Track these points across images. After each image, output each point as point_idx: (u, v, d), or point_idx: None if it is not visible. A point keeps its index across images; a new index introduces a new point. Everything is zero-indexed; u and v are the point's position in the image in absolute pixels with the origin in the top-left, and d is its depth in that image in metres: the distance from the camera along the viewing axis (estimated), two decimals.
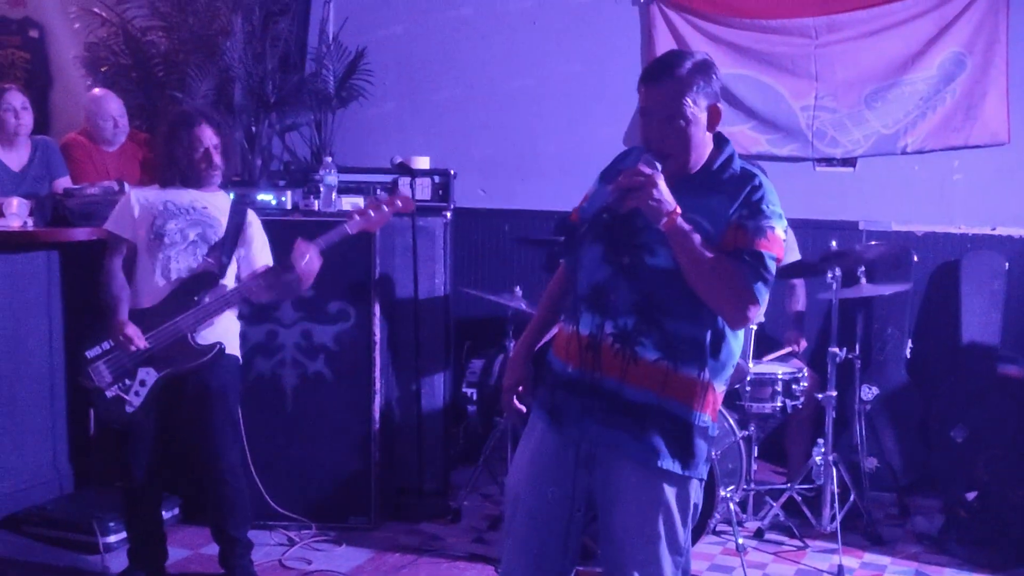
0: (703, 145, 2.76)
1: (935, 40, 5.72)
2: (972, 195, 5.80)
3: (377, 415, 4.91)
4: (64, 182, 5.63)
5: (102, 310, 3.99)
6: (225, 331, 4.09)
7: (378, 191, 5.19)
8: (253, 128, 5.92)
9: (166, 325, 3.93)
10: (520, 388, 2.95)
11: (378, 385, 4.90)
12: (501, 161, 6.44)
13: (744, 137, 6.04)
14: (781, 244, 2.69)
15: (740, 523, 4.78)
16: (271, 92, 5.95)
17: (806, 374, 5.01)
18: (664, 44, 6.12)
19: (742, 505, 4.96)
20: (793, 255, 5.38)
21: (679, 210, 2.57)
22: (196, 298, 3.98)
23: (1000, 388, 5.39)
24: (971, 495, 4.92)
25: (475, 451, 5.50)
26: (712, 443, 2.77)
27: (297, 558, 4.58)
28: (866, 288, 4.97)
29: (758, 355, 4.97)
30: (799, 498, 4.94)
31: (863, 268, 4.98)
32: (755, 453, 4.97)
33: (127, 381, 3.94)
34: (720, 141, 2.81)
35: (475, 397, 5.92)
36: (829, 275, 4.81)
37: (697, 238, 2.58)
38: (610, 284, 2.69)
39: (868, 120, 5.87)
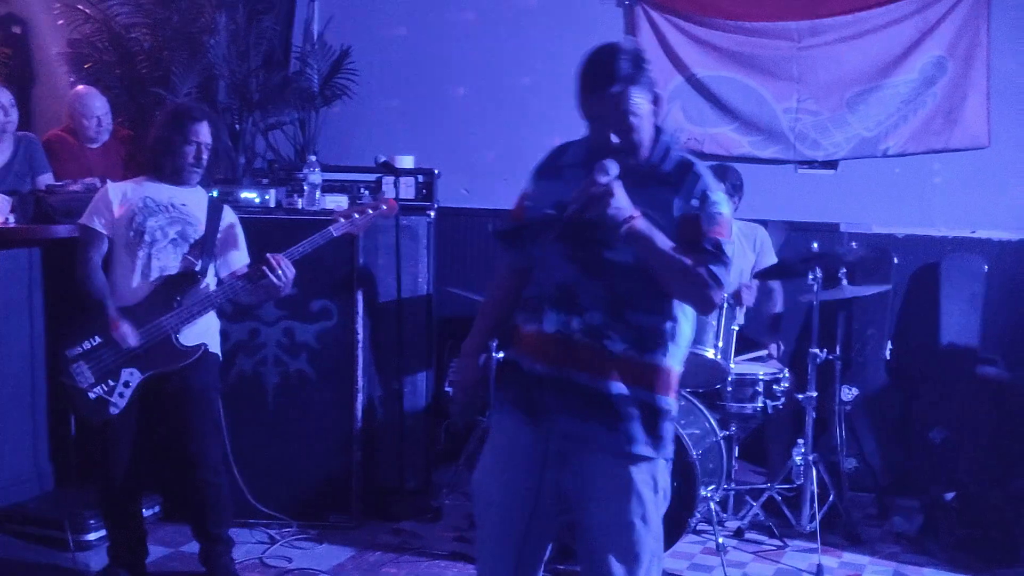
0: (650, 138, 2.79)
1: (917, 44, 5.76)
2: (952, 198, 5.84)
3: (359, 414, 4.91)
4: (47, 179, 5.60)
5: (84, 307, 3.96)
6: (207, 329, 4.09)
7: (362, 190, 5.20)
8: (237, 126, 5.91)
9: (150, 325, 3.90)
10: (470, 388, 3.03)
11: (360, 384, 4.90)
12: (485, 161, 6.44)
13: (726, 139, 6.07)
14: (730, 224, 2.76)
15: (720, 522, 4.81)
16: (255, 90, 5.94)
17: (787, 375, 5.03)
18: (648, 45, 6.12)
19: (722, 504, 4.98)
20: (769, 258, 5.40)
21: (637, 214, 2.61)
22: (179, 298, 3.95)
23: (979, 390, 5.44)
24: (950, 495, 4.95)
25: (457, 450, 5.51)
26: (674, 422, 2.85)
27: (278, 556, 4.58)
28: (847, 290, 4.99)
29: (736, 355, 4.98)
30: (779, 498, 4.97)
31: (844, 270, 5.01)
32: (736, 453, 5.00)
33: (110, 382, 3.90)
34: (656, 131, 2.82)
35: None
36: (810, 276, 4.84)
37: (659, 237, 2.63)
38: (575, 282, 2.74)
39: (850, 123, 5.90)
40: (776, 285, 5.50)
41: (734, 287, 5.11)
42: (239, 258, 4.17)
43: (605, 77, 2.71)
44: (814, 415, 4.89)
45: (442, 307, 5.80)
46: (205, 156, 4.09)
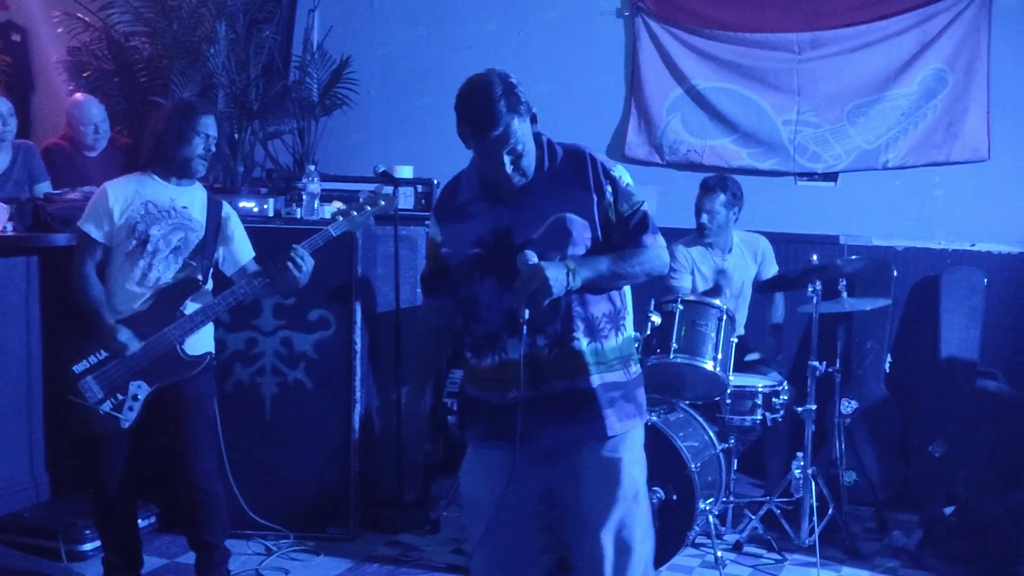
0: (535, 151, 2.93)
1: (917, 57, 5.77)
2: (952, 211, 5.83)
3: (357, 424, 4.89)
4: (45, 187, 5.59)
5: (82, 320, 3.89)
6: (206, 335, 4.05)
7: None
8: (236, 135, 5.90)
9: (154, 337, 3.85)
10: None
11: (358, 394, 4.88)
12: None
13: (726, 151, 6.07)
14: (633, 183, 2.98)
15: (719, 536, 4.79)
16: (254, 99, 5.93)
17: (786, 387, 5.02)
18: (648, 56, 6.15)
19: (721, 518, 4.96)
20: (771, 268, 5.40)
21: (572, 266, 2.78)
22: (181, 307, 3.90)
23: (978, 403, 5.42)
24: (949, 510, 4.93)
25: (455, 462, 5.46)
26: (642, 382, 3.06)
27: (274, 568, 4.56)
28: (847, 302, 4.98)
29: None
30: (778, 511, 4.95)
31: (844, 282, 5.00)
32: (735, 466, 4.98)
33: (119, 396, 3.84)
34: (537, 139, 2.96)
35: (455, 407, 5.90)
36: (810, 289, 4.83)
37: (600, 264, 2.84)
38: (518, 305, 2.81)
39: (850, 135, 5.90)
40: (778, 293, 5.48)
41: (732, 308, 5.11)
42: (244, 253, 4.14)
43: (486, 120, 2.82)
44: (813, 428, 4.87)
45: None
46: (212, 149, 4.01)
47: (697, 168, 6.02)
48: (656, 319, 4.69)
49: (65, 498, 4.89)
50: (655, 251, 2.93)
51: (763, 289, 5.33)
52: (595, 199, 2.89)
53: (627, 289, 3.03)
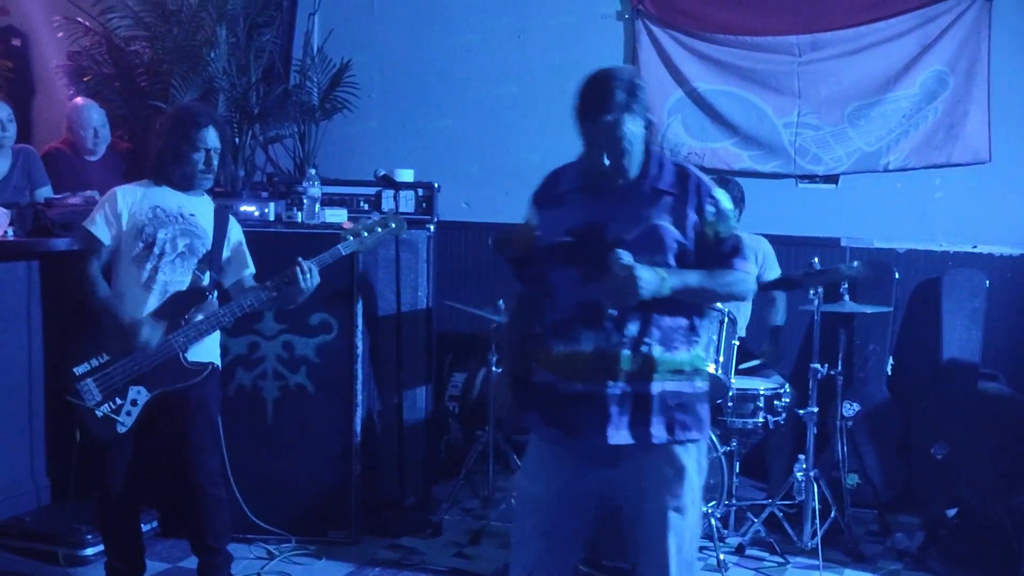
0: (641, 160, 2.99)
1: (918, 59, 5.76)
2: (953, 213, 5.83)
3: (358, 428, 4.88)
4: (45, 192, 5.60)
5: (87, 322, 3.87)
6: (211, 344, 4.04)
7: (361, 204, 5.19)
8: (236, 139, 5.89)
9: (157, 344, 3.83)
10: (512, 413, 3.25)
11: (360, 398, 4.88)
12: (485, 175, 6.44)
13: (727, 153, 6.07)
14: (731, 210, 3.04)
15: (721, 539, 4.78)
16: (255, 103, 5.94)
17: (788, 390, 5.01)
18: (648, 59, 6.14)
19: (723, 521, 4.95)
20: (773, 271, 5.39)
21: (663, 273, 2.85)
22: (187, 316, 3.88)
23: (980, 406, 5.42)
24: (951, 512, 4.93)
25: (456, 465, 5.48)
26: (708, 399, 3.13)
27: (276, 572, 4.56)
28: (848, 304, 4.98)
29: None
30: (780, 514, 4.94)
31: (846, 284, 5.00)
32: (737, 469, 4.97)
33: (118, 400, 3.83)
34: (647, 150, 3.02)
35: (457, 411, 5.91)
36: (811, 291, 4.82)
37: (690, 277, 2.91)
38: (600, 299, 2.89)
39: (851, 137, 5.90)
40: (779, 296, 5.48)
41: (733, 310, 5.13)
42: (244, 268, 4.12)
43: (600, 105, 2.90)
44: (815, 431, 4.87)
45: (442, 321, 5.79)
46: (215, 162, 4.00)
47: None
48: None
49: (67, 503, 4.89)
50: (743, 276, 3.02)
51: (765, 289, 5.32)
52: (694, 216, 2.96)
53: (709, 315, 3.19)
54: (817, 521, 4.78)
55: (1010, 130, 5.68)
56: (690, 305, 3.01)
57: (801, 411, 4.90)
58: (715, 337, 4.58)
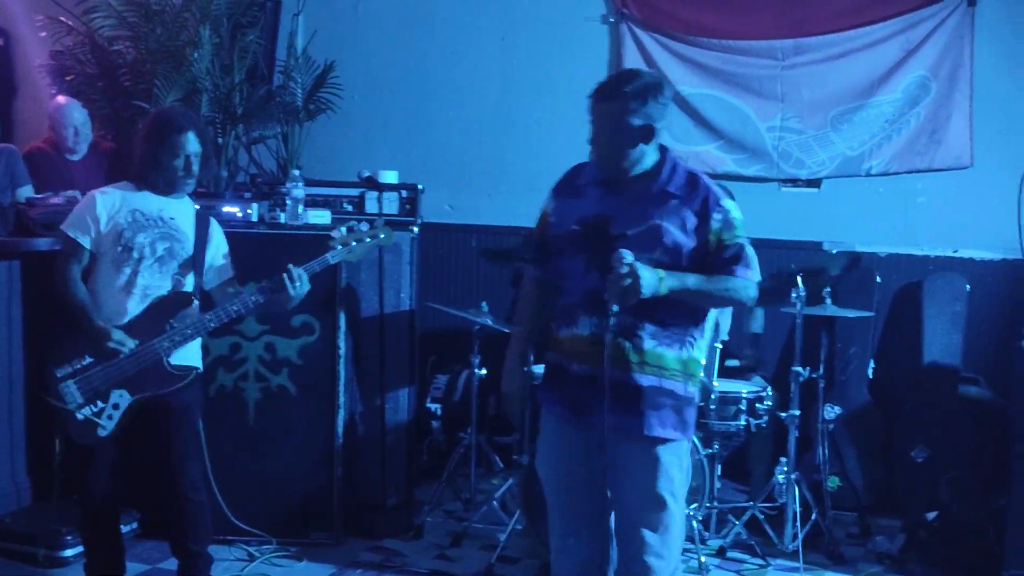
0: (644, 155, 3.14)
1: (901, 64, 5.79)
2: (935, 218, 5.86)
3: (340, 430, 4.88)
4: (27, 191, 5.56)
5: (69, 324, 3.84)
6: (193, 348, 4.01)
7: (345, 205, 5.18)
8: (219, 140, 5.87)
9: (142, 348, 3.80)
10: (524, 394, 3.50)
11: (342, 400, 4.87)
12: (469, 176, 6.45)
13: (710, 156, 6.08)
14: (740, 217, 3.17)
15: (703, 541, 4.79)
16: (238, 104, 5.92)
17: (770, 393, 5.03)
18: (633, 62, 6.15)
19: (705, 523, 4.96)
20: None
21: (663, 274, 2.99)
22: (171, 321, 3.86)
23: (961, 409, 5.45)
24: (931, 515, 4.95)
25: (439, 467, 5.48)
26: (696, 408, 3.27)
27: (257, 574, 4.55)
28: (830, 308, 5.00)
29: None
30: (762, 516, 4.96)
31: (828, 288, 5.01)
32: (719, 471, 4.98)
33: (99, 403, 3.79)
34: (663, 151, 3.20)
35: (439, 412, 5.91)
36: (793, 295, 4.84)
37: (690, 280, 3.04)
38: (602, 287, 3.02)
39: (833, 142, 5.92)
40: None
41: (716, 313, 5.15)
42: (224, 271, 4.10)
43: (603, 91, 3.11)
44: (797, 434, 4.89)
45: (425, 323, 5.78)
46: (195, 166, 3.96)
47: None
48: None
49: (47, 504, 4.86)
50: (742, 283, 3.13)
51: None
52: (697, 222, 3.09)
53: (712, 320, 3.29)
54: (798, 524, 4.79)
55: (992, 135, 5.71)
56: (688, 308, 3.13)
57: (783, 414, 4.92)
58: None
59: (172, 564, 4.23)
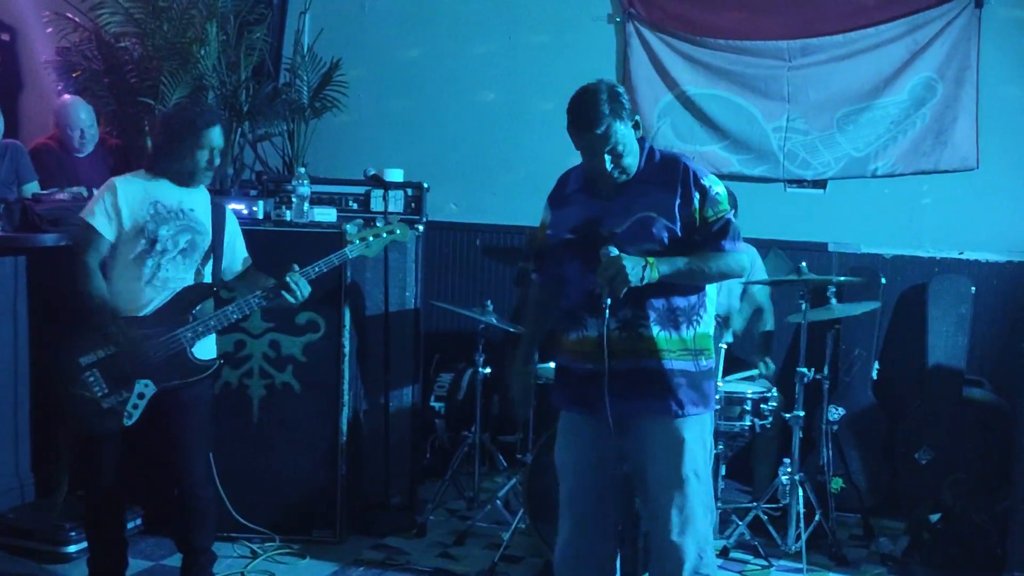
0: (636, 153, 3.29)
1: (907, 65, 5.78)
2: (941, 219, 5.85)
3: (344, 428, 4.88)
4: (33, 187, 5.57)
5: (86, 315, 3.82)
6: (211, 339, 4.02)
7: (350, 203, 5.19)
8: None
9: (167, 337, 3.81)
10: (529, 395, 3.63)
11: (346, 397, 4.88)
12: (474, 175, 6.44)
13: (715, 157, 6.07)
14: (723, 190, 3.30)
15: None
16: (244, 101, 5.92)
17: (775, 394, 5.02)
18: (639, 62, 6.15)
19: None
20: (759, 277, 5.40)
21: (651, 261, 3.11)
22: (194, 312, 3.88)
23: (965, 411, 5.44)
24: (935, 517, 4.94)
25: (442, 465, 5.49)
26: (715, 378, 3.44)
27: (260, 571, 4.55)
28: (836, 309, 4.99)
29: (726, 374, 4.97)
30: (765, 517, 4.95)
31: (833, 289, 5.01)
32: (723, 471, 4.98)
33: (124, 392, 3.77)
34: (641, 143, 3.32)
35: (443, 411, 5.91)
36: (799, 296, 4.84)
37: (677, 263, 3.15)
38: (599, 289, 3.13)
39: (839, 143, 5.92)
40: (766, 304, 5.50)
41: (723, 310, 5.14)
42: (240, 257, 4.13)
43: (591, 119, 3.19)
44: (801, 435, 4.88)
45: (430, 321, 5.79)
46: (217, 160, 3.98)
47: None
48: None
49: (51, 500, 4.86)
50: (732, 256, 3.25)
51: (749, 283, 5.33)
52: (679, 202, 3.20)
53: (711, 293, 3.38)
54: (801, 525, 4.79)
55: (998, 137, 5.69)
56: (688, 287, 3.25)
57: (787, 415, 4.91)
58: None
59: (175, 560, 4.24)
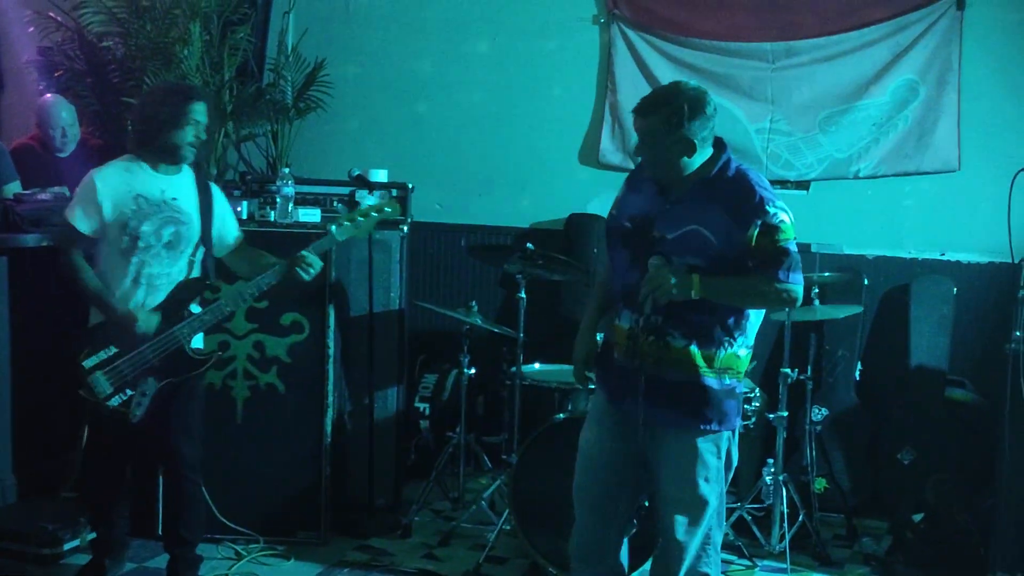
0: (675, 166, 3.22)
1: (890, 67, 5.81)
2: (922, 221, 5.88)
3: (329, 429, 4.87)
4: (14, 187, 5.54)
5: (87, 315, 3.89)
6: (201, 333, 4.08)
7: (335, 204, 5.18)
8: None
9: (163, 335, 3.86)
10: (587, 360, 3.54)
11: (330, 398, 4.87)
12: (459, 176, 6.44)
13: None
14: (790, 219, 3.20)
15: None
16: (228, 101, 5.90)
17: (758, 394, 5.04)
18: (623, 64, 6.16)
19: None
20: None
21: (697, 278, 3.06)
22: (190, 307, 3.91)
23: (947, 412, 5.47)
24: (918, 517, 4.97)
25: (427, 466, 5.48)
26: (741, 399, 3.36)
27: (244, 573, 4.54)
28: (819, 310, 5.01)
29: None
30: (749, 517, 4.97)
31: (816, 290, 5.03)
32: None
33: (128, 391, 3.84)
34: (719, 147, 3.28)
35: (428, 412, 5.90)
36: None
37: (726, 283, 3.12)
38: (638, 284, 3.15)
39: (822, 144, 5.94)
40: None
41: None
42: (231, 233, 4.16)
43: (645, 107, 3.23)
44: (785, 435, 4.90)
45: (414, 322, 5.78)
46: (203, 136, 3.96)
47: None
48: None
49: (34, 501, 4.85)
50: (785, 287, 3.15)
51: None
52: (733, 225, 3.12)
53: (755, 318, 3.29)
54: (785, 525, 4.81)
55: (979, 139, 5.73)
56: (726, 309, 3.19)
57: (771, 415, 4.93)
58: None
59: (160, 563, 4.24)
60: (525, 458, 4.47)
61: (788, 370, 4.90)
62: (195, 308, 3.97)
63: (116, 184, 3.89)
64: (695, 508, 3.29)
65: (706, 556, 3.36)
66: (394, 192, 5.27)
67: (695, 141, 3.17)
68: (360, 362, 5.13)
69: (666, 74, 6.06)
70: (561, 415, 4.47)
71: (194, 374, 3.96)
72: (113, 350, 3.82)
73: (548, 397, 4.81)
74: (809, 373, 5.12)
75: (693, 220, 3.15)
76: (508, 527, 4.69)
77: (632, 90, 6.14)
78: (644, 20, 6.17)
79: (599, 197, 6.00)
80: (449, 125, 6.47)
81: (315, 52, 6.18)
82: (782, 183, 6.03)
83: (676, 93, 3.23)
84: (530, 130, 6.32)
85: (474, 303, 5.20)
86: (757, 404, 4.98)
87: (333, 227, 4.05)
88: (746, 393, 4.95)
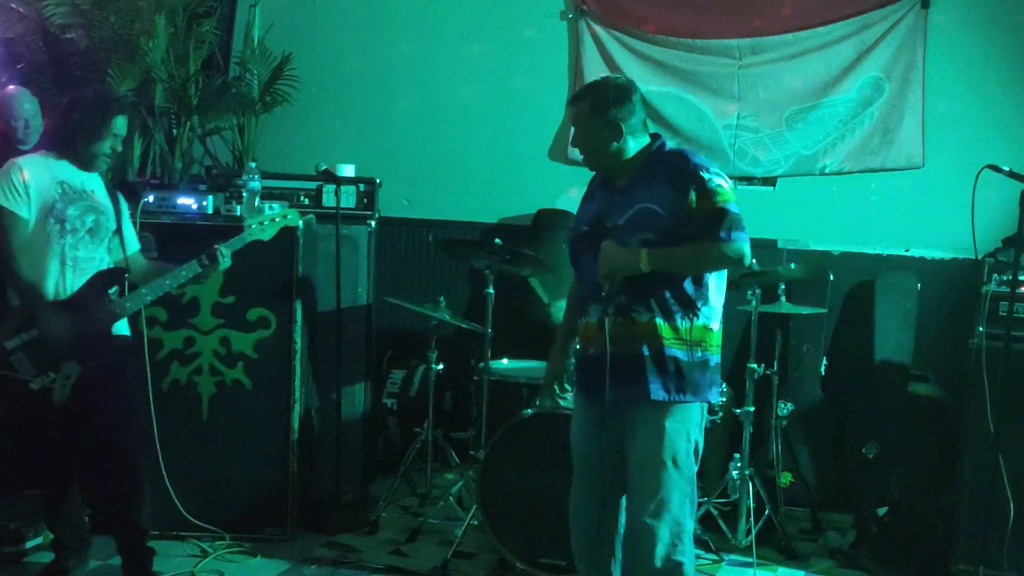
0: (625, 148, 3.46)
1: (855, 64, 5.85)
2: (887, 217, 5.92)
3: (296, 425, 4.85)
4: None
5: (16, 297, 3.88)
6: (123, 320, 4.08)
7: (302, 198, 5.16)
8: (174, 131, 5.81)
9: (86, 321, 3.87)
10: (556, 382, 3.78)
11: (297, 394, 4.84)
12: (427, 171, 6.42)
13: None
14: (728, 184, 3.37)
15: None
16: (193, 95, 5.85)
17: (725, 389, 5.07)
18: (591, 60, 6.16)
19: None
20: None
21: (645, 252, 3.24)
22: (111, 294, 3.96)
23: (911, 406, 5.51)
24: (882, 510, 5.01)
25: (394, 462, 5.47)
26: (716, 371, 3.45)
27: (210, 570, 4.51)
28: (785, 306, 5.04)
29: None
30: (716, 512, 4.99)
31: (783, 286, 5.06)
32: None
33: (51, 373, 3.83)
34: (654, 137, 3.54)
35: (395, 408, 5.89)
36: (749, 292, 4.88)
37: (674, 253, 3.27)
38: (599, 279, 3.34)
39: (788, 141, 5.97)
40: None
41: None
42: (132, 243, 4.20)
43: (576, 96, 3.53)
44: (751, 429, 4.93)
45: (382, 318, 5.76)
46: (119, 149, 4.08)
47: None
48: None
49: None
50: (729, 245, 3.27)
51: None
52: (675, 193, 3.29)
53: (717, 286, 3.41)
54: (751, 519, 4.83)
55: (944, 136, 5.78)
56: (686, 279, 3.34)
57: (737, 410, 4.96)
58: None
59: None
60: (492, 454, 4.47)
61: (754, 365, 4.93)
62: (114, 294, 4.04)
63: (40, 170, 3.96)
64: (664, 490, 3.33)
65: (680, 544, 3.39)
66: (362, 187, 5.25)
67: (622, 126, 3.41)
68: (327, 358, 5.12)
69: (633, 70, 6.07)
70: (529, 411, 4.47)
71: (117, 360, 4.00)
72: (35, 332, 3.83)
73: (516, 393, 4.82)
74: (775, 368, 5.15)
75: (641, 199, 3.34)
76: (476, 523, 4.69)
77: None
78: (611, 16, 6.18)
79: (568, 193, 6.01)
80: (417, 120, 6.45)
81: (282, 46, 6.14)
82: (749, 179, 6.07)
83: (603, 82, 3.52)
84: (498, 125, 6.31)
85: (442, 298, 5.20)
86: (724, 399, 5.00)
87: (253, 224, 4.23)
88: None
